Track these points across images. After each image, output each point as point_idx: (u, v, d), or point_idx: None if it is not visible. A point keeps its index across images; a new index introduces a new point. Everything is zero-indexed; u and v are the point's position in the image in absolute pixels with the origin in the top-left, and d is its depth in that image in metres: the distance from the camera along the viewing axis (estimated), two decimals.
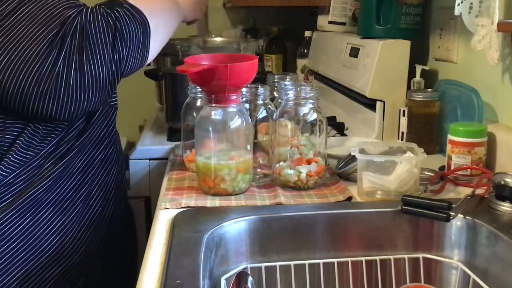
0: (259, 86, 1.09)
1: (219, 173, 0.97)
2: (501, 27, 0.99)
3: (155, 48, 1.01)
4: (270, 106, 1.09)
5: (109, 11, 0.93)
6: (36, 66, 0.87)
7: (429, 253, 0.91)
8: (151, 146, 1.42)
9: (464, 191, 0.98)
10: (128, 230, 1.27)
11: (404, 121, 1.30)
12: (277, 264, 0.89)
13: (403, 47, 1.33)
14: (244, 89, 1.05)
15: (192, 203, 0.95)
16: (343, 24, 1.67)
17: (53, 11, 0.89)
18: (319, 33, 1.88)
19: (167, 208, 0.93)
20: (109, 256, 1.12)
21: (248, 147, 1.00)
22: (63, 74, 0.88)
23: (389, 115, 1.34)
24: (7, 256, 0.93)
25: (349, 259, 0.90)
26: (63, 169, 1.00)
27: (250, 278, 0.84)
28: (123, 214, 1.21)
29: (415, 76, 1.35)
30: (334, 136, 1.42)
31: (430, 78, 1.36)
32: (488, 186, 0.95)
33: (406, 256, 0.91)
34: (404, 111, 1.30)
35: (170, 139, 1.45)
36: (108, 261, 1.12)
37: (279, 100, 1.08)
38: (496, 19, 0.99)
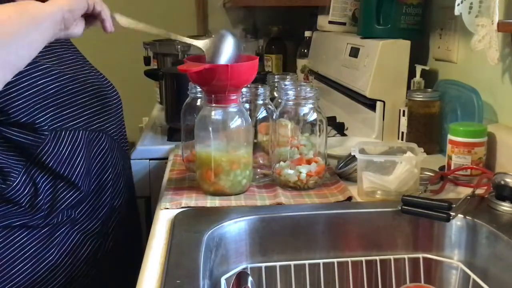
0: (259, 86, 1.09)
1: (220, 163, 0.97)
2: (501, 27, 0.99)
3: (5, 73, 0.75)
4: (270, 106, 1.09)
5: None
6: None
7: (429, 253, 0.91)
8: (151, 146, 1.43)
9: (464, 191, 0.98)
10: (119, 258, 1.14)
11: (404, 121, 1.30)
12: (277, 264, 0.89)
13: (403, 47, 1.33)
14: (244, 89, 1.05)
15: (192, 203, 0.95)
16: (343, 24, 1.67)
17: None
18: (319, 33, 1.88)
19: (167, 208, 0.93)
20: (96, 282, 1.05)
21: (248, 147, 1.00)
22: None
23: (389, 115, 1.34)
24: None
25: (349, 259, 0.90)
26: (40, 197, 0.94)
27: (250, 278, 0.84)
28: (124, 238, 1.12)
29: (415, 76, 1.35)
30: (334, 136, 1.42)
31: (430, 78, 1.36)
32: (488, 186, 0.95)
33: (406, 256, 0.91)
34: (404, 111, 1.30)
35: (170, 139, 1.45)
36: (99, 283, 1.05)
37: (279, 100, 1.08)
38: (496, 19, 0.99)
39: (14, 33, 0.73)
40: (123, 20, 0.92)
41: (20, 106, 0.89)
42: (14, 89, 0.88)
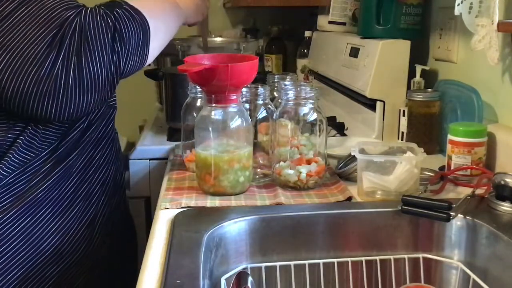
0: (259, 86, 1.09)
1: (220, 163, 0.97)
2: (501, 27, 0.99)
3: (155, 49, 1.01)
4: (270, 106, 1.09)
5: (108, 12, 0.92)
6: (35, 68, 0.87)
7: (429, 253, 0.91)
8: (151, 146, 1.42)
9: (464, 191, 0.98)
10: (128, 229, 1.27)
11: (404, 121, 1.30)
12: (277, 264, 0.89)
13: (403, 47, 1.33)
14: (244, 89, 1.05)
15: (192, 203, 0.95)
16: (343, 24, 1.67)
17: (52, 12, 0.89)
18: (319, 33, 1.88)
19: (167, 208, 0.93)
20: (109, 254, 1.12)
21: (248, 147, 1.00)
22: (62, 75, 0.87)
23: (389, 115, 1.34)
24: (7, 256, 0.93)
25: (349, 259, 0.90)
26: (63, 170, 1.00)
27: (250, 278, 0.84)
28: (123, 213, 1.22)
29: (415, 76, 1.35)
30: (334, 136, 1.42)
31: (430, 78, 1.36)
32: (488, 186, 0.95)
33: (406, 256, 0.91)
34: (404, 111, 1.30)
35: (170, 139, 1.45)
36: (108, 260, 1.12)
37: (279, 100, 1.08)
38: (496, 19, 0.99)
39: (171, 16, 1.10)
40: None
41: None
42: None
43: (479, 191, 0.95)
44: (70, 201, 1.02)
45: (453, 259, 0.90)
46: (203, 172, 0.99)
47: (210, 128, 0.98)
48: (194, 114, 1.08)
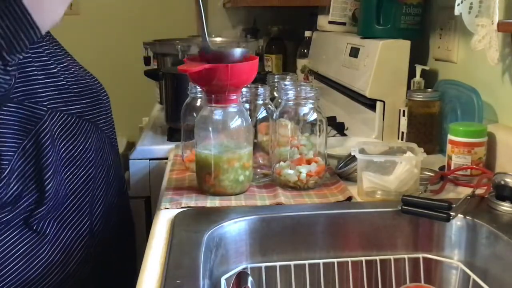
0: (259, 86, 1.09)
1: (220, 163, 0.97)
2: (501, 27, 0.99)
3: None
4: (270, 106, 1.09)
5: None
6: None
7: (429, 253, 0.91)
8: (151, 146, 1.43)
9: (464, 191, 0.98)
10: (127, 230, 1.21)
11: (404, 121, 1.30)
12: (277, 264, 0.89)
13: (403, 47, 1.33)
14: (244, 89, 1.05)
15: (192, 203, 0.95)
16: (343, 24, 1.67)
17: None
18: (319, 33, 1.88)
19: (167, 208, 0.93)
20: (98, 270, 1.04)
21: (248, 147, 1.00)
22: None
23: (389, 115, 1.34)
24: None
25: (349, 259, 0.90)
26: (32, 193, 0.92)
27: (250, 278, 0.84)
28: (120, 219, 1.13)
29: (415, 76, 1.35)
30: (334, 136, 1.42)
31: (430, 78, 1.36)
32: (488, 186, 0.95)
33: (406, 256, 0.91)
34: (404, 111, 1.30)
35: (170, 139, 1.45)
36: (94, 276, 1.03)
37: (279, 100, 1.08)
38: (496, 19, 0.99)
39: None
40: None
41: (19, 80, 0.90)
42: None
43: (479, 191, 0.95)
44: (42, 223, 0.93)
45: (453, 259, 0.90)
46: (203, 172, 0.99)
47: (210, 128, 0.98)
48: (194, 114, 1.08)
